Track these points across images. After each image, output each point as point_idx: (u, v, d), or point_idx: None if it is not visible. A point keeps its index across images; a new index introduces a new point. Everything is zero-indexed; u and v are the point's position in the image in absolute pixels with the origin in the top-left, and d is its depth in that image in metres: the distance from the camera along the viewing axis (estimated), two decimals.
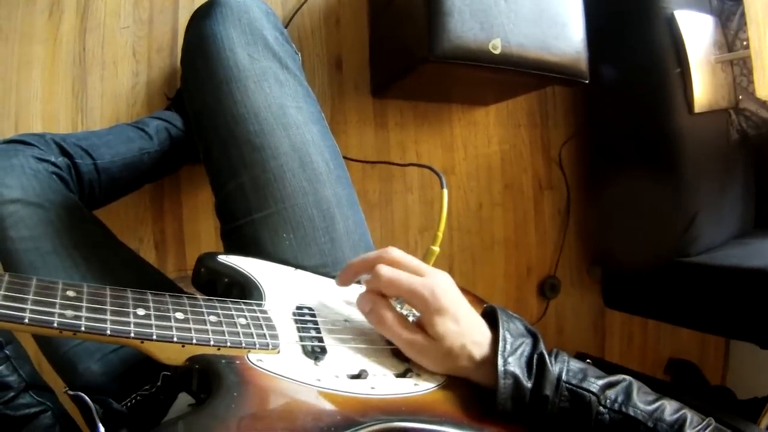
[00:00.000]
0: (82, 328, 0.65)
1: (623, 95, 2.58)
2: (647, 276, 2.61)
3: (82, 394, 0.96)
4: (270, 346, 0.77)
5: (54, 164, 1.25)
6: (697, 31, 2.35)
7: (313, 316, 0.90)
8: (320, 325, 0.88)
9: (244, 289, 0.91)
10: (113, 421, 0.94)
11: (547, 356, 0.81)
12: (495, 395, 0.78)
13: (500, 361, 0.79)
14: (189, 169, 2.04)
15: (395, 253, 0.86)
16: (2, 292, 0.63)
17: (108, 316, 0.68)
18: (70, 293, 0.68)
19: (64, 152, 1.32)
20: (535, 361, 0.81)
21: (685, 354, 3.03)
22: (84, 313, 0.66)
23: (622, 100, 2.59)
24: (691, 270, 2.37)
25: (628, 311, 2.83)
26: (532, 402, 0.78)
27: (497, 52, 1.81)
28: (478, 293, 1.15)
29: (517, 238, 2.69)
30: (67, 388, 1.00)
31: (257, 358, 0.74)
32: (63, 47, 1.99)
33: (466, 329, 0.82)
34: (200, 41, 1.11)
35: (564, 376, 0.79)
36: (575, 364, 0.83)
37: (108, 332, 0.66)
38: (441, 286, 0.82)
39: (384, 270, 0.83)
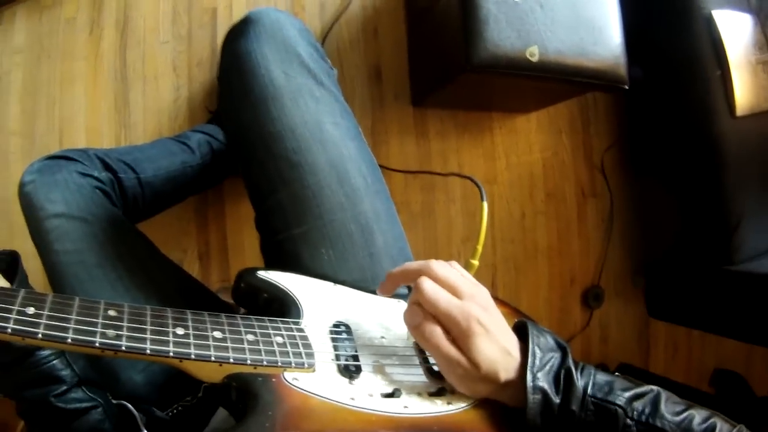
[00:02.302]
0: (123, 348, 0.66)
1: (663, 100, 2.54)
2: (691, 285, 2.57)
3: (126, 403, 0.98)
4: (305, 365, 0.78)
5: (97, 179, 1.27)
6: (736, 31, 2.31)
7: (350, 333, 0.90)
8: (356, 343, 0.89)
9: (282, 305, 0.92)
10: (157, 429, 0.95)
11: (573, 370, 0.81)
12: (524, 411, 0.78)
13: (529, 377, 0.79)
14: (232, 182, 2.06)
15: (437, 267, 0.85)
16: (46, 313, 0.64)
17: (148, 335, 0.69)
18: (112, 312, 0.70)
19: (107, 167, 1.34)
20: (562, 375, 0.80)
21: (731, 364, 2.97)
22: (125, 332, 0.68)
23: (662, 105, 2.55)
24: (736, 278, 2.32)
25: (672, 321, 2.77)
26: (560, 417, 0.78)
27: (535, 59, 1.80)
28: (521, 304, 1.15)
29: (561, 247, 2.66)
30: (110, 397, 1.02)
31: (293, 377, 0.75)
32: (104, 63, 2.03)
33: (497, 357, 0.80)
34: (236, 60, 1.13)
35: (590, 390, 0.79)
36: (601, 377, 0.82)
37: (148, 351, 0.68)
38: (475, 312, 0.81)
39: (427, 284, 0.82)
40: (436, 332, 0.81)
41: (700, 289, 2.53)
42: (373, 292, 1.06)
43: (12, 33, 2.00)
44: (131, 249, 1.20)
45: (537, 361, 0.81)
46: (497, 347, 0.81)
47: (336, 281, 1.05)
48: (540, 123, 2.64)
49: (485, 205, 1.25)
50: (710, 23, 2.27)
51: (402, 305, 1.05)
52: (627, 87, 1.99)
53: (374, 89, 2.34)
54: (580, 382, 0.79)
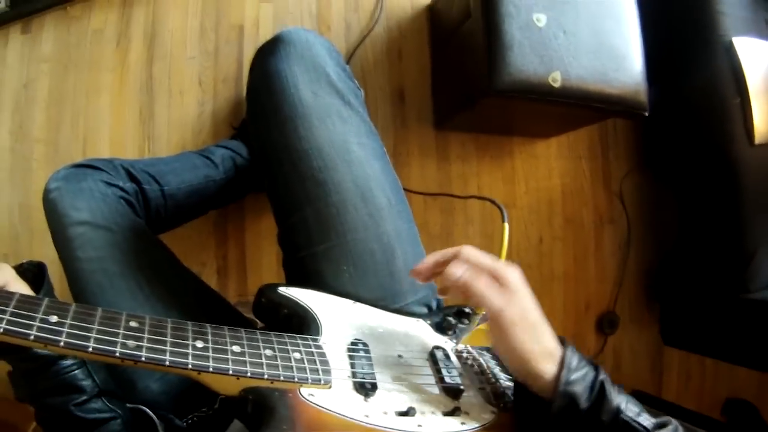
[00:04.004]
0: (143, 359, 0.68)
1: (682, 127, 2.52)
2: (707, 313, 2.55)
3: (144, 408, 0.99)
4: (322, 382, 0.79)
5: (122, 189, 1.28)
6: (756, 59, 2.29)
7: (367, 351, 0.91)
8: (373, 361, 0.89)
9: (302, 321, 0.93)
10: None
11: (609, 385, 0.80)
12: (549, 406, 0.77)
13: (564, 371, 0.78)
14: (253, 197, 2.07)
15: (471, 251, 0.86)
16: (69, 321, 0.66)
17: (168, 347, 0.70)
18: (133, 324, 0.71)
19: (132, 178, 1.36)
20: (597, 385, 0.80)
21: (743, 393, 2.93)
22: (145, 344, 0.69)
23: (681, 132, 2.53)
24: (751, 307, 2.30)
25: (686, 349, 2.75)
26: (585, 422, 0.78)
27: (557, 85, 1.80)
28: None
29: (577, 272, 2.65)
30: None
31: (309, 393, 0.76)
32: (130, 75, 2.06)
33: (539, 321, 0.84)
34: (265, 78, 1.14)
35: (623, 407, 0.79)
36: (634, 401, 0.82)
37: (167, 363, 0.69)
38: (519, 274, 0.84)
39: (468, 248, 0.85)
40: (482, 278, 0.82)
41: (715, 317, 2.51)
42: (393, 311, 1.07)
43: (40, 41, 2.03)
44: (153, 260, 1.22)
45: (574, 362, 0.81)
46: (540, 317, 0.84)
47: (356, 299, 1.05)
48: (560, 148, 2.64)
49: (506, 226, 1.25)
50: (730, 51, 2.26)
51: (420, 324, 1.06)
52: (647, 113, 1.99)
53: (397, 111, 2.35)
54: (617, 398, 0.79)
